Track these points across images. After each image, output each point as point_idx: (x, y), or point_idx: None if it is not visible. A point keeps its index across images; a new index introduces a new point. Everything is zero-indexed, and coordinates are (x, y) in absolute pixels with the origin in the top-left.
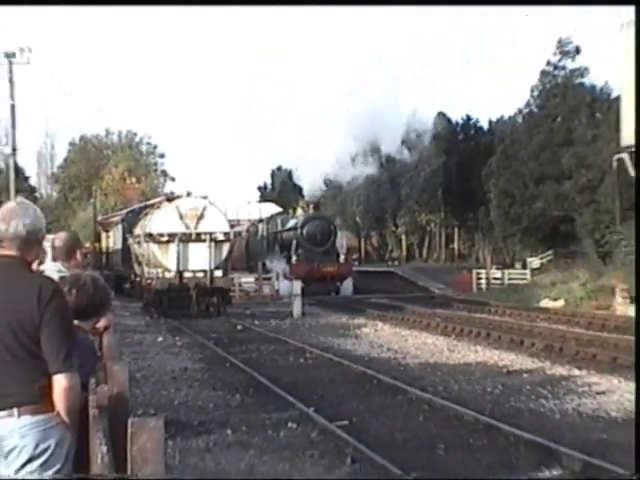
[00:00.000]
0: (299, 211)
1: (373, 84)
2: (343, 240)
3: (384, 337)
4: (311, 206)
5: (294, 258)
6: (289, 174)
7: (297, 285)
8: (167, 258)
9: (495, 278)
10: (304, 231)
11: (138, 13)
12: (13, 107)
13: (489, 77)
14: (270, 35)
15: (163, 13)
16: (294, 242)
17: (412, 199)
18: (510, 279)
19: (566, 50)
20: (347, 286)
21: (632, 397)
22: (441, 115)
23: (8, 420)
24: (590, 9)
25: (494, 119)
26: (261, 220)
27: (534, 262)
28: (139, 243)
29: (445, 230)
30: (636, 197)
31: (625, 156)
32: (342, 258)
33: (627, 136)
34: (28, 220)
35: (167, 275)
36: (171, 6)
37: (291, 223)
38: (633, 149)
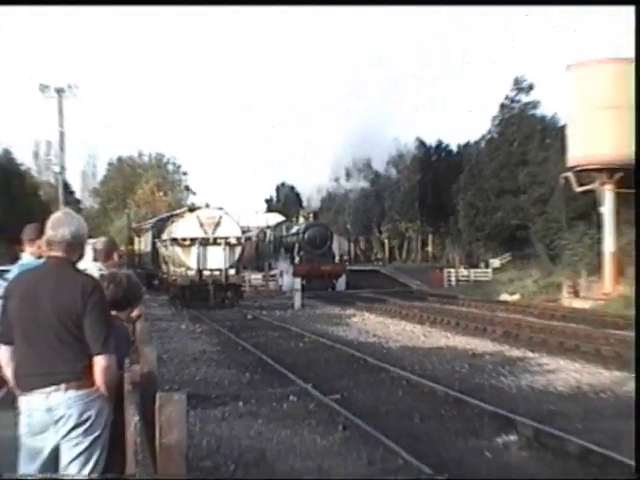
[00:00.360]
0: (301, 219)
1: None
2: (335, 244)
3: (370, 325)
4: (311, 215)
5: (297, 259)
6: (291, 188)
7: (297, 281)
8: (189, 259)
9: (463, 276)
10: (305, 236)
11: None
12: (62, 133)
13: (458, 108)
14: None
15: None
16: (297, 245)
17: (394, 210)
18: (475, 277)
19: (521, 87)
20: (341, 283)
21: (577, 375)
22: (418, 140)
23: (57, 394)
24: (543, 55)
25: (462, 143)
26: (268, 227)
27: (495, 262)
28: (166, 246)
29: (421, 236)
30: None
31: (570, 175)
32: (337, 259)
33: (572, 158)
34: (73, 227)
35: (189, 273)
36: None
37: (294, 229)
38: (577, 169)
